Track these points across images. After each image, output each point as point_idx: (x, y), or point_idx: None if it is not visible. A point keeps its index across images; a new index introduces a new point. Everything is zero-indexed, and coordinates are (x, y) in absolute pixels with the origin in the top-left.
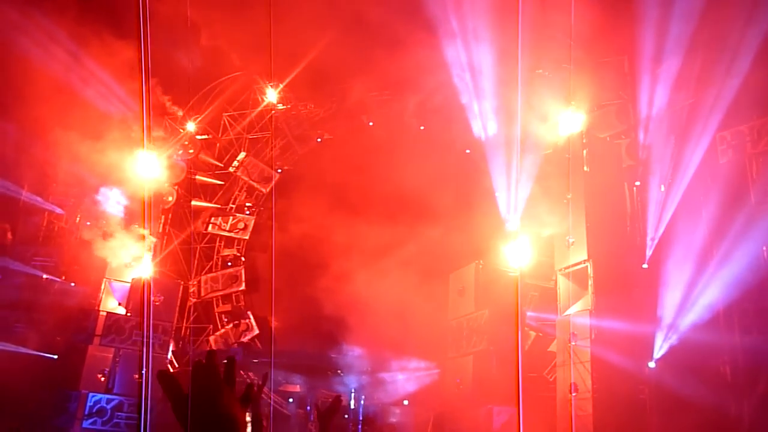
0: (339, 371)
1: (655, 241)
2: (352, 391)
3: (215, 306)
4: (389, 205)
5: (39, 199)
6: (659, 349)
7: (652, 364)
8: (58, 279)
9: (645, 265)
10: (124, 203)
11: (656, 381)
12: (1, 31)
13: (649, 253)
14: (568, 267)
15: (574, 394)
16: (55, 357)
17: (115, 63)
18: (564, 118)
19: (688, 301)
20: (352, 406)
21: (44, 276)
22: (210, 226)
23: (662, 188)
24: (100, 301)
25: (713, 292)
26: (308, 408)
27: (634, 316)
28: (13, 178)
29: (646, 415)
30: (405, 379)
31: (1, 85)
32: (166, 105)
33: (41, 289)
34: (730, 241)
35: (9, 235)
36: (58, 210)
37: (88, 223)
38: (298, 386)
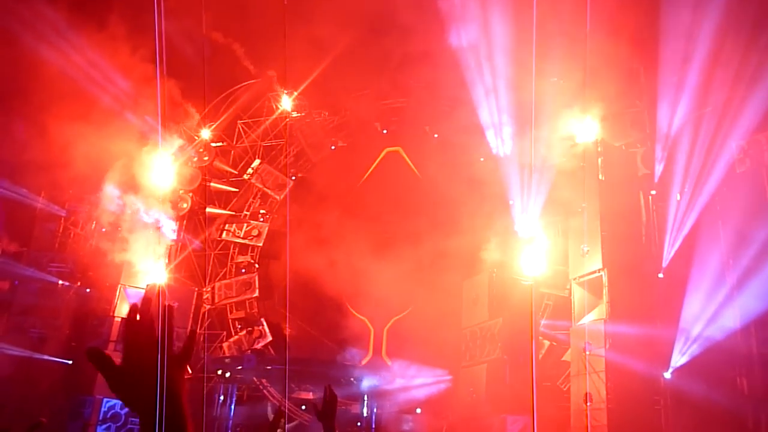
0: (352, 379)
1: (672, 251)
2: (365, 398)
3: (229, 313)
4: (404, 212)
5: (55, 206)
6: (675, 359)
7: (668, 374)
8: (73, 285)
9: (660, 275)
10: (139, 208)
11: (672, 391)
12: (19, 38)
13: (665, 262)
14: (582, 276)
15: (588, 404)
16: (70, 362)
17: (132, 68)
18: (579, 126)
19: (705, 311)
20: (365, 414)
21: (60, 282)
22: (224, 233)
23: (678, 197)
24: (115, 306)
25: (730, 303)
26: None
27: (650, 325)
28: (30, 185)
29: (661, 426)
30: (418, 387)
31: (20, 90)
32: (184, 110)
33: (57, 294)
34: (748, 251)
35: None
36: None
37: (104, 230)
38: (311, 393)
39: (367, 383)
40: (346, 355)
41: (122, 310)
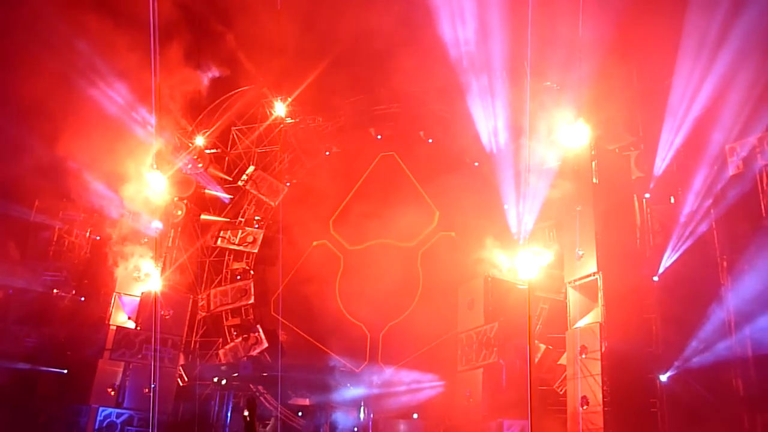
0: (348, 384)
1: (666, 254)
2: (362, 404)
3: (224, 319)
4: (398, 218)
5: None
6: (671, 363)
7: (664, 378)
8: (68, 294)
9: (655, 278)
10: (134, 215)
11: (668, 394)
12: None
13: (660, 265)
14: (578, 279)
15: (584, 408)
16: (65, 371)
17: (127, 72)
18: (572, 130)
19: (700, 313)
20: (362, 420)
21: (54, 291)
22: (219, 239)
23: (672, 200)
24: (110, 315)
25: (725, 305)
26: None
27: (645, 328)
28: (25, 193)
29: (657, 429)
30: (414, 392)
31: (13, 95)
32: (178, 121)
33: (51, 303)
34: (741, 253)
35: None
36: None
37: (98, 238)
38: (307, 400)
39: (363, 389)
40: (343, 361)
41: (117, 318)
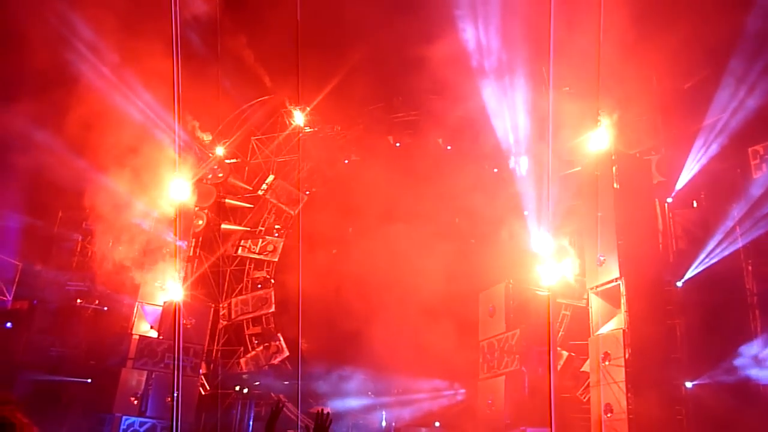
0: (369, 392)
1: (690, 260)
2: (383, 413)
3: (246, 328)
4: (418, 225)
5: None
6: (696, 369)
7: (689, 384)
8: (91, 304)
9: (679, 283)
10: (156, 225)
11: (694, 401)
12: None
13: (683, 271)
14: (600, 285)
15: (608, 415)
16: (89, 381)
17: (149, 81)
18: (592, 135)
19: (725, 318)
20: (383, 427)
21: (78, 301)
22: (240, 248)
23: (695, 204)
24: (133, 324)
25: (751, 309)
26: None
27: (670, 334)
28: (48, 204)
29: None
30: (435, 400)
31: (42, 105)
32: (195, 131)
33: (75, 314)
34: (766, 256)
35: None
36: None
37: (121, 248)
38: (329, 408)
39: (384, 397)
40: (364, 369)
41: (140, 327)
